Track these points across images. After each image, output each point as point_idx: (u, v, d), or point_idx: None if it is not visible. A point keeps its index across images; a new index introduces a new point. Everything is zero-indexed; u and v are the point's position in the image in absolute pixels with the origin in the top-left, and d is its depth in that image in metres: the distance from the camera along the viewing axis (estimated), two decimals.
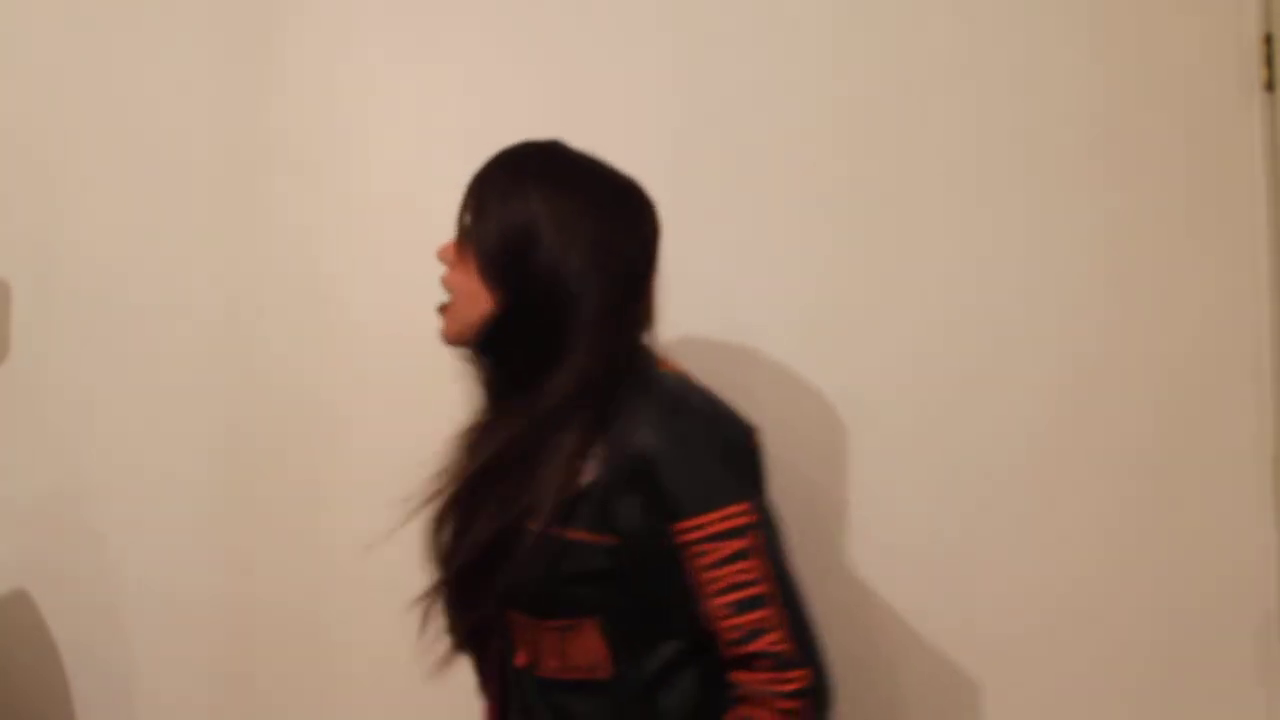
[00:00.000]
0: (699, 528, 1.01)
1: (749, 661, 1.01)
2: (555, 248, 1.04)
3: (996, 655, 1.37)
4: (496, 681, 1.18)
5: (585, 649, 1.07)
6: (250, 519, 1.63)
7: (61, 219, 1.72)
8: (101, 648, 1.68)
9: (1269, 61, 1.31)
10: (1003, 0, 1.39)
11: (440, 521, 1.13)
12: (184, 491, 1.65)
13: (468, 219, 1.11)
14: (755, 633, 1.00)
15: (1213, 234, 1.33)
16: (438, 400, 1.56)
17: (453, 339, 1.13)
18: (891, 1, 1.42)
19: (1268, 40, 1.31)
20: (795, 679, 1.00)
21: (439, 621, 1.13)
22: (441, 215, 1.54)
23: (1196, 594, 1.32)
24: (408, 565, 1.57)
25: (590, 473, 1.03)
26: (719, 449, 1.05)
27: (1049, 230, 1.37)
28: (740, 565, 1.01)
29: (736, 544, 1.01)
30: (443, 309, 1.14)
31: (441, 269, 1.14)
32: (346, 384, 1.60)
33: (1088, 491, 1.35)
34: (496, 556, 1.06)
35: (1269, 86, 1.31)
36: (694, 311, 1.42)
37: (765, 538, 1.02)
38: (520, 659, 1.12)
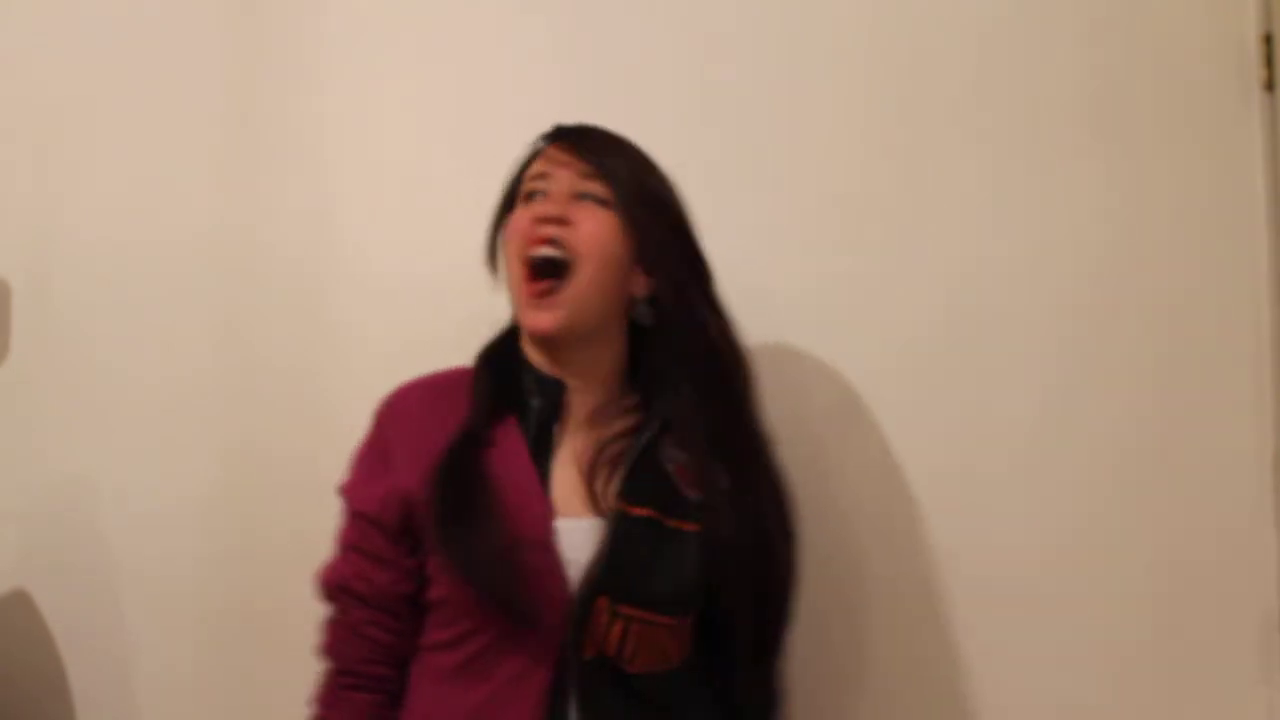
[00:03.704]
0: None
1: None
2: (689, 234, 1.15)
3: (995, 655, 1.37)
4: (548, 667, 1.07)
5: (684, 642, 1.10)
6: (250, 518, 1.63)
7: (61, 219, 1.72)
8: (101, 647, 1.69)
9: (1269, 61, 1.31)
10: (1001, 1, 1.39)
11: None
12: (183, 491, 1.65)
13: (602, 182, 1.09)
14: None
15: (1212, 234, 1.33)
16: None
17: (568, 316, 1.07)
18: (892, 5, 1.42)
19: (1268, 40, 1.31)
20: None
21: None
22: (442, 217, 1.56)
23: (1196, 594, 1.32)
24: None
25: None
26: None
27: (1046, 230, 1.37)
28: None
29: None
30: (547, 290, 1.06)
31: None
32: (346, 383, 1.60)
33: (1086, 491, 1.35)
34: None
35: (1269, 86, 1.31)
36: None
37: None
38: (590, 650, 1.04)
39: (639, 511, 1.06)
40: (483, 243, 1.22)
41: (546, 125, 1.50)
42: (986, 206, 1.39)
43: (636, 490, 1.07)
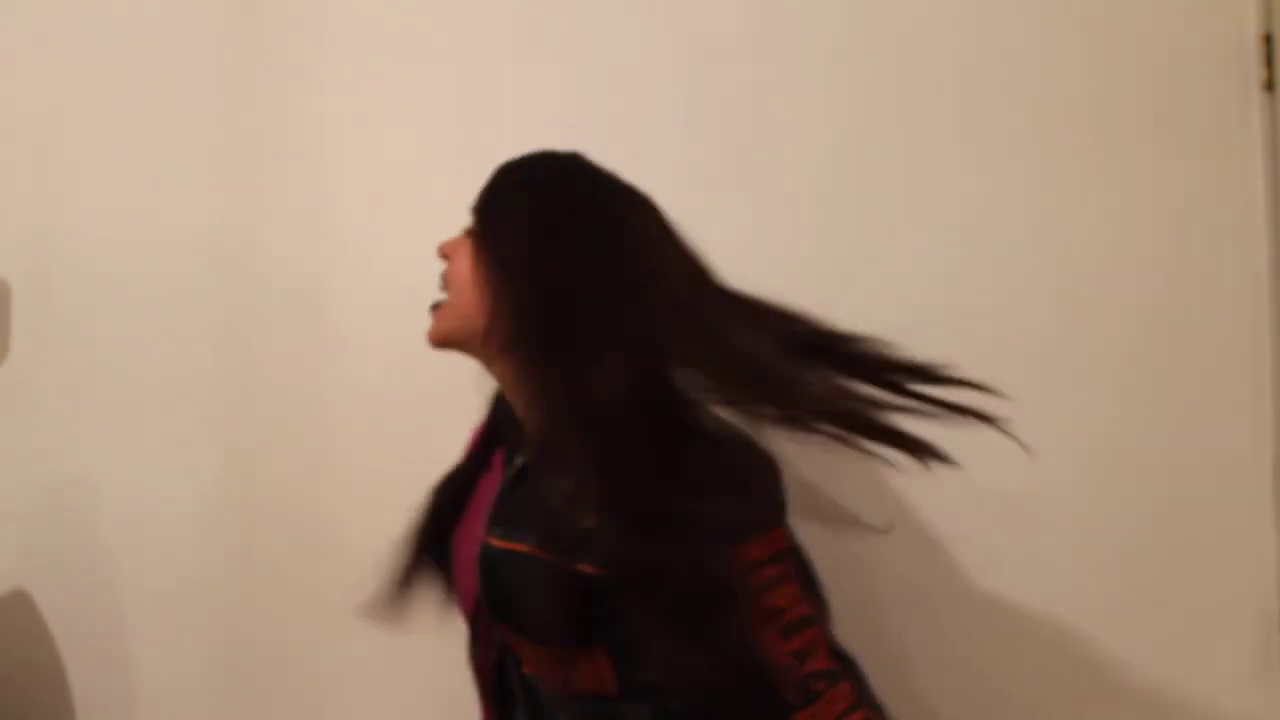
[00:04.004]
0: (742, 555, 0.98)
1: (807, 688, 0.97)
2: (561, 252, 1.03)
3: (992, 654, 1.37)
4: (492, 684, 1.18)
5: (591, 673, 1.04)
6: (250, 517, 1.63)
7: (61, 219, 1.72)
8: (101, 647, 1.69)
9: (1269, 61, 1.31)
10: (1001, 1, 1.39)
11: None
12: (183, 491, 1.65)
13: (477, 216, 1.11)
14: (803, 655, 0.97)
15: (1212, 234, 1.33)
16: (437, 402, 1.57)
17: (439, 339, 1.13)
18: (892, 5, 1.42)
19: (1268, 40, 1.31)
20: (845, 690, 0.99)
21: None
22: (442, 219, 1.55)
23: (1196, 593, 1.32)
24: None
25: None
26: (751, 472, 1.04)
27: (1046, 230, 1.37)
28: (781, 590, 0.98)
29: (774, 570, 0.99)
30: (436, 307, 1.14)
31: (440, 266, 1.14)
32: (346, 384, 1.61)
33: (1086, 490, 1.35)
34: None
35: (1269, 86, 1.31)
36: None
37: (796, 557, 1.03)
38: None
39: (493, 540, 1.06)
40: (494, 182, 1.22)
41: (546, 125, 1.51)
42: (986, 206, 1.39)
43: (496, 519, 1.08)
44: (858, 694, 1.00)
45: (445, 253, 1.13)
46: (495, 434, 1.22)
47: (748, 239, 1.44)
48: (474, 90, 1.56)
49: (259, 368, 1.63)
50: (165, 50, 1.67)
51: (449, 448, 1.54)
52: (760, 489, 1.04)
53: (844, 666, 1.01)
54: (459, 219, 1.52)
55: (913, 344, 1.40)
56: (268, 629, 1.63)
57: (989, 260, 1.39)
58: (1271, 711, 1.29)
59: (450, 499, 1.20)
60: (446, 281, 1.13)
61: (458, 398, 1.55)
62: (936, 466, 1.35)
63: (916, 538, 1.40)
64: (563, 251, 1.04)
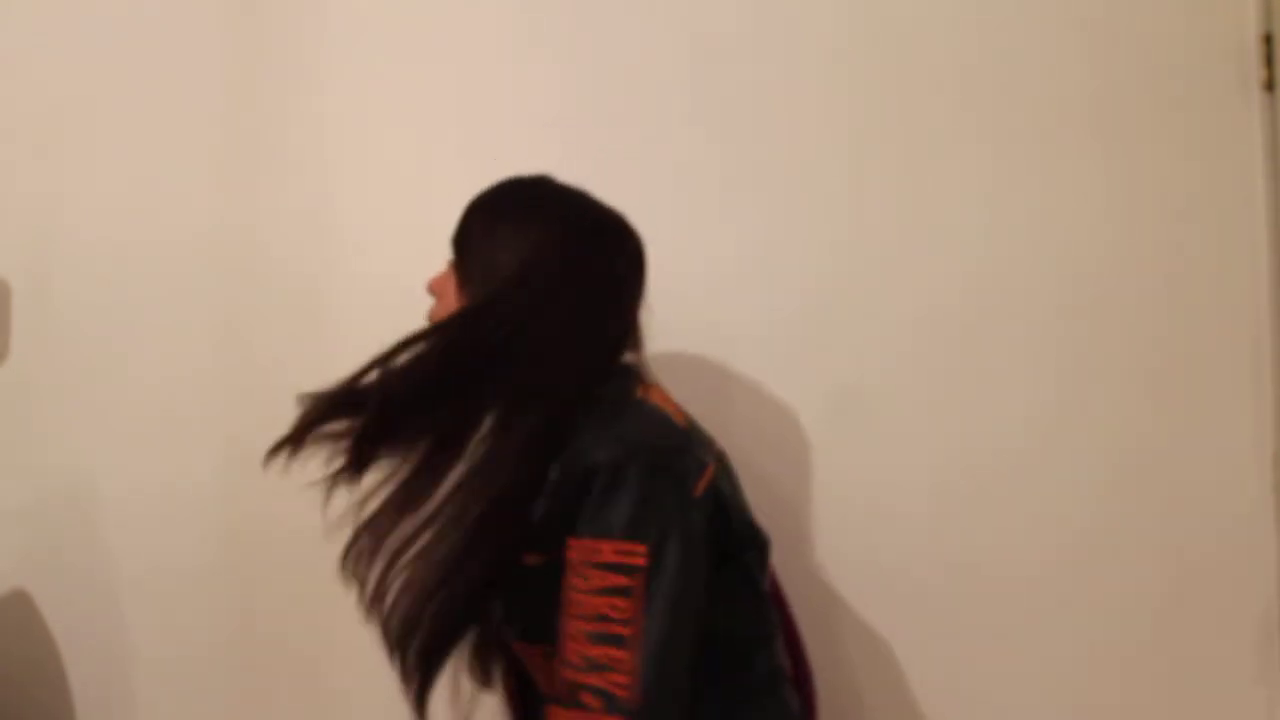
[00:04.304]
0: (592, 550, 0.99)
1: (576, 694, 0.97)
2: (527, 279, 1.06)
3: (992, 654, 1.37)
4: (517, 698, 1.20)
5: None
6: (250, 517, 1.63)
7: (61, 219, 1.72)
8: (101, 647, 1.68)
9: (1269, 61, 1.31)
10: (1001, 1, 1.39)
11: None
12: (183, 491, 1.65)
13: (454, 252, 1.14)
14: (599, 667, 0.96)
15: (1212, 234, 1.33)
16: None
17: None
18: (892, 5, 1.42)
19: (1268, 40, 1.31)
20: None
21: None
22: (442, 219, 1.55)
23: (1196, 594, 1.32)
24: None
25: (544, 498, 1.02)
26: (647, 484, 1.00)
27: (1047, 230, 1.37)
28: (615, 600, 0.97)
29: (619, 579, 0.98)
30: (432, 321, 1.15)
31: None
32: None
33: (1086, 491, 1.35)
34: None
35: (1269, 86, 1.32)
36: (696, 311, 1.42)
37: (653, 587, 0.97)
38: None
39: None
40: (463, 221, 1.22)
41: (546, 125, 1.51)
42: (987, 207, 1.39)
43: None
44: None
45: (433, 290, 1.16)
46: None
47: (747, 238, 1.44)
48: (474, 90, 1.56)
49: (259, 368, 1.63)
50: (165, 50, 1.67)
51: None
52: (646, 507, 1.00)
53: (648, 707, 0.96)
54: (458, 218, 1.52)
55: (912, 340, 1.40)
56: (268, 629, 1.63)
57: (989, 260, 1.39)
58: (1271, 712, 1.29)
59: None
60: (433, 319, 1.15)
61: None
62: (935, 463, 1.36)
63: (915, 534, 1.40)
64: (515, 279, 1.07)
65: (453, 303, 1.12)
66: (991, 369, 1.38)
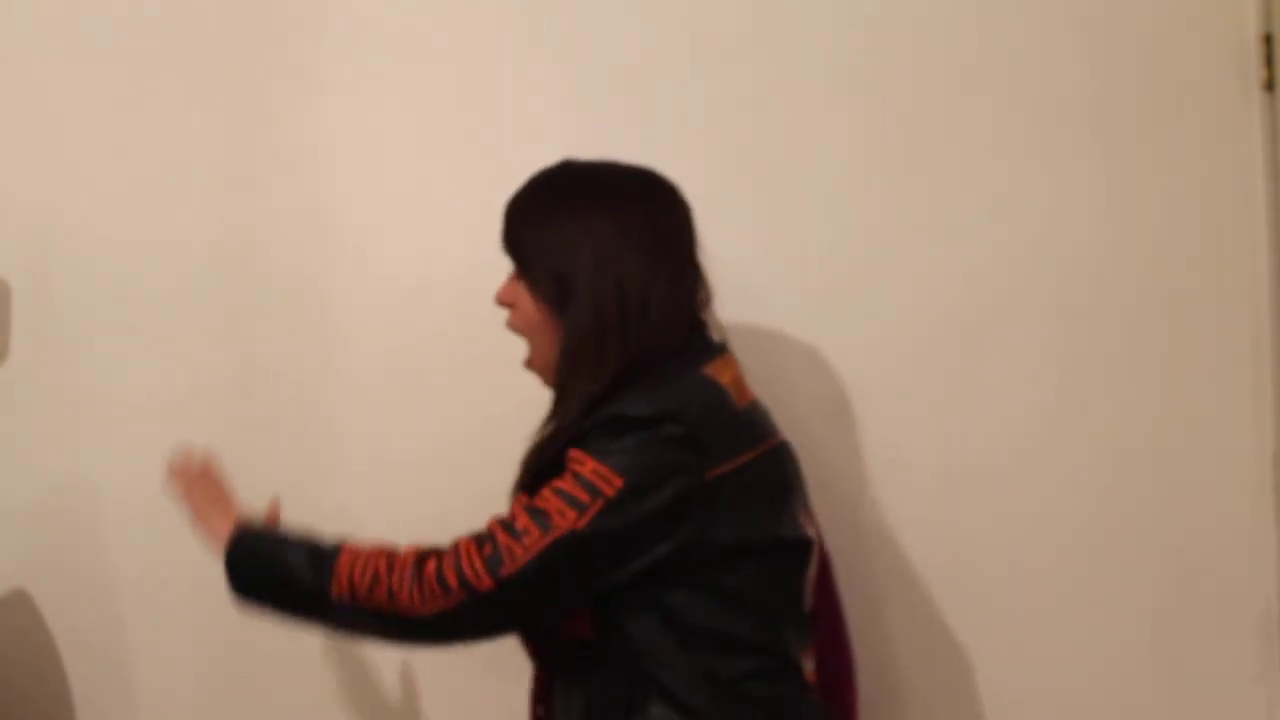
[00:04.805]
0: (579, 461, 1.03)
1: (487, 533, 1.05)
2: (600, 256, 1.09)
3: (993, 653, 1.37)
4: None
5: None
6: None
7: (61, 219, 1.72)
8: (101, 647, 1.68)
9: (1269, 61, 1.31)
10: (1002, 1, 1.39)
11: None
12: None
13: (512, 259, 1.16)
14: (513, 531, 1.03)
15: (1212, 234, 1.33)
16: (436, 402, 1.57)
17: (549, 379, 1.15)
18: (892, 5, 1.42)
19: (1268, 40, 1.31)
20: (483, 584, 1.02)
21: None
22: (441, 219, 1.55)
23: (1196, 593, 1.32)
24: None
25: None
26: (663, 443, 1.04)
27: (1047, 231, 1.37)
28: (563, 506, 1.02)
29: (583, 495, 1.02)
30: (528, 361, 1.17)
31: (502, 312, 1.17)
32: (346, 384, 1.60)
33: (1086, 490, 1.35)
34: None
35: (1269, 86, 1.31)
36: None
37: (600, 518, 1.01)
38: None
39: None
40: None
41: (547, 125, 1.51)
42: (987, 207, 1.39)
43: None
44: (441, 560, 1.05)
45: (504, 301, 1.17)
46: None
47: (747, 238, 1.44)
48: (474, 90, 1.56)
49: (259, 368, 1.63)
50: (165, 50, 1.67)
51: (448, 446, 1.54)
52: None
53: (508, 587, 1.02)
54: (459, 218, 1.53)
55: (913, 340, 1.40)
56: (268, 629, 1.62)
57: (988, 261, 1.39)
58: (1272, 712, 1.29)
59: None
60: (515, 329, 1.17)
61: (457, 397, 1.55)
62: (936, 464, 1.36)
63: (914, 534, 1.40)
64: (583, 263, 1.10)
65: (530, 309, 1.14)
66: (991, 370, 1.38)
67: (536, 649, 1.15)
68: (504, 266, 1.18)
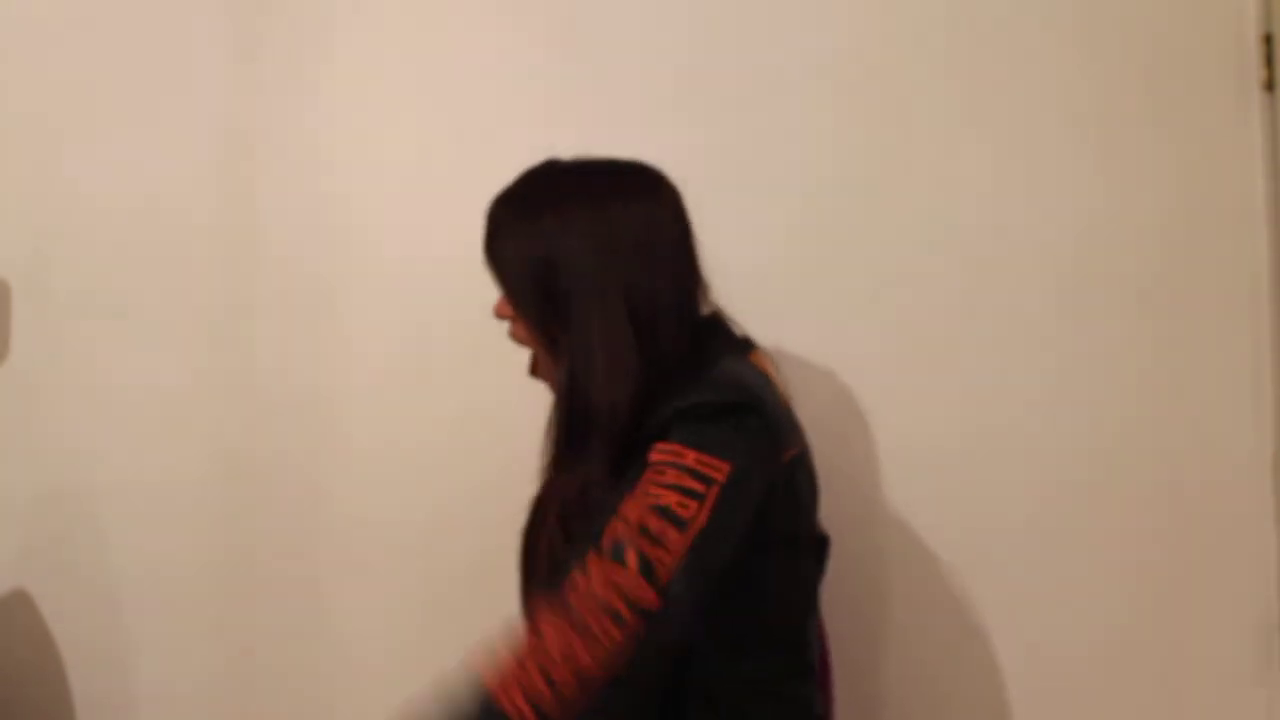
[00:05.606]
0: (677, 454, 0.98)
1: (621, 550, 0.94)
2: (573, 259, 1.05)
3: (990, 654, 1.37)
4: None
5: None
6: (250, 517, 1.63)
7: (61, 219, 1.72)
8: (102, 647, 1.68)
9: (1269, 61, 1.31)
10: (1000, 1, 1.39)
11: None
12: (184, 490, 1.65)
13: (494, 272, 1.12)
14: (652, 537, 0.94)
15: (1213, 233, 1.33)
16: (440, 396, 1.57)
17: (556, 389, 1.12)
18: (892, 5, 1.42)
19: (1268, 40, 1.31)
20: (648, 598, 0.92)
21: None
22: (444, 214, 1.55)
23: (1196, 593, 1.32)
24: (410, 561, 1.57)
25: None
26: (745, 420, 1.01)
27: (1046, 230, 1.37)
28: (682, 499, 0.96)
29: (696, 485, 0.97)
30: (533, 369, 1.14)
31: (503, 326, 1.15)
32: (346, 383, 1.61)
33: (1086, 490, 1.35)
34: None
35: (1269, 86, 1.31)
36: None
37: (721, 502, 0.96)
38: None
39: None
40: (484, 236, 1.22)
41: (547, 117, 1.51)
42: (986, 206, 1.39)
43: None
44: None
45: (502, 314, 1.14)
46: None
47: (747, 232, 1.44)
48: (475, 83, 1.56)
49: (260, 366, 1.63)
50: (165, 49, 1.67)
51: (452, 440, 1.54)
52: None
53: (675, 595, 0.94)
54: (459, 213, 1.52)
55: (913, 337, 1.40)
56: (268, 629, 1.63)
57: (987, 260, 1.39)
58: (1271, 712, 1.29)
59: None
60: (518, 341, 1.14)
61: (461, 391, 1.55)
62: (935, 464, 1.36)
63: (914, 534, 1.40)
64: (558, 269, 1.06)
65: (522, 333, 1.12)
66: (989, 370, 1.38)
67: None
68: None
